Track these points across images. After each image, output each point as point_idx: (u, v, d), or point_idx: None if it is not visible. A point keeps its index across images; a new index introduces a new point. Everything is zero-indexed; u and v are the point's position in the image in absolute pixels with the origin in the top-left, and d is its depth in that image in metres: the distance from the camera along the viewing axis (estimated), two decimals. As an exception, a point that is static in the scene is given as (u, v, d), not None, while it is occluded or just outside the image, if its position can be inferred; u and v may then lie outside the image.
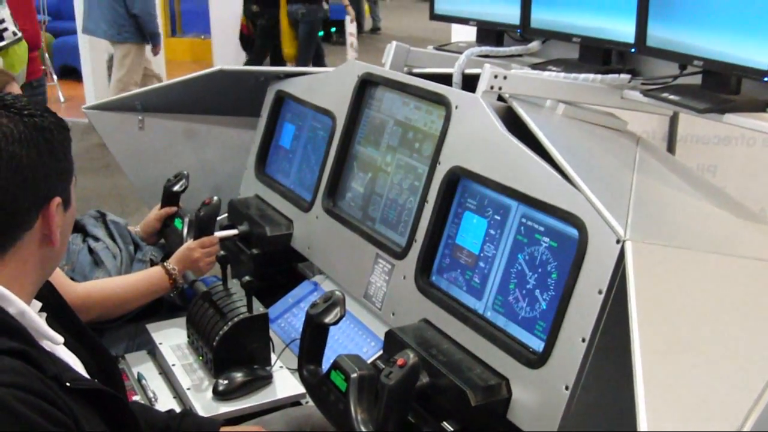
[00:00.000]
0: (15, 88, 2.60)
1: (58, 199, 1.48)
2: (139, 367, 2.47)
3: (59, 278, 2.27)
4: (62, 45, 10.98)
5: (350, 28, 9.99)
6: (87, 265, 2.74)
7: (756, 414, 1.35)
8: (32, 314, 1.46)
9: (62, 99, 10.18)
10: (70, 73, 10.60)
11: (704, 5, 2.15)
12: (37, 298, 1.55)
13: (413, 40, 3.41)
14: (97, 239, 2.84)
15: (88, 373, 1.62)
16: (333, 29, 15.28)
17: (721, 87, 2.18)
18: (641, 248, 1.69)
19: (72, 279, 2.52)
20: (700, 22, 2.17)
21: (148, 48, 8.06)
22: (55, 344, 1.52)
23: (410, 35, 12.21)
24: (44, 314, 1.55)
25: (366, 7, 17.18)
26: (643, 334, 1.45)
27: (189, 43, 12.97)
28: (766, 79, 1.99)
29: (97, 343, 1.79)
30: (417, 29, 9.98)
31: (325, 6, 9.92)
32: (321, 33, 14.63)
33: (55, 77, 10.37)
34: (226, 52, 11.23)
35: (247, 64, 10.84)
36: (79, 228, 2.88)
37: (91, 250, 2.79)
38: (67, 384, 1.40)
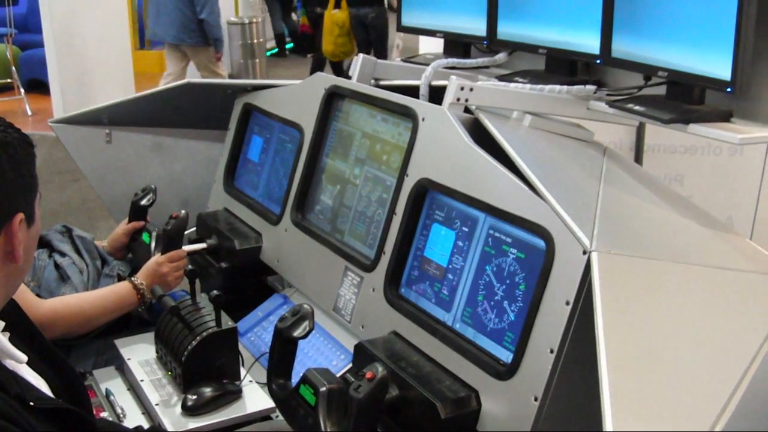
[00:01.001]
0: None
1: (21, 216, 1.47)
2: (107, 382, 2.44)
3: (24, 295, 2.25)
4: (30, 58, 10.89)
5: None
6: (53, 280, 2.71)
7: (723, 420, 1.36)
8: (-5, 333, 1.45)
9: (29, 112, 10.10)
10: (38, 86, 10.52)
11: (668, 18, 2.17)
12: (0, 316, 1.53)
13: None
14: (63, 254, 2.81)
15: (53, 391, 1.60)
16: (290, 45, 14.89)
17: (686, 97, 2.19)
18: (607, 259, 1.70)
19: (38, 295, 2.49)
20: (663, 34, 2.19)
21: None
22: (19, 363, 1.51)
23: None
24: (7, 333, 1.53)
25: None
26: (610, 344, 1.46)
27: (157, 56, 12.88)
28: (729, 89, 2.01)
29: (62, 360, 1.77)
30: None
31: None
32: (275, 50, 14.33)
33: (22, 90, 10.29)
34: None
35: (314, 61, 10.72)
36: (44, 243, 2.85)
37: (57, 266, 2.77)
38: (31, 403, 1.39)
